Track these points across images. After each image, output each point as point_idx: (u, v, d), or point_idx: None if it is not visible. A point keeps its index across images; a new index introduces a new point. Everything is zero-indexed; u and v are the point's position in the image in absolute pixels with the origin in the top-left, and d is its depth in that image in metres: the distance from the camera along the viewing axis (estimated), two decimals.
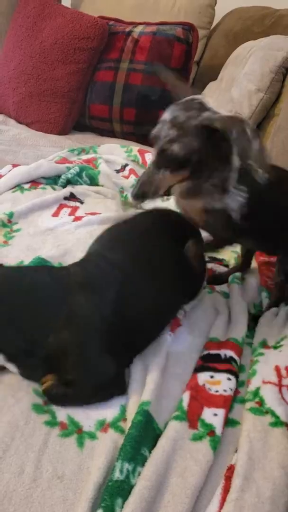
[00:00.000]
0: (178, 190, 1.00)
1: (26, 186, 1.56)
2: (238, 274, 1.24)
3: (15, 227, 1.34)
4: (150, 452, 0.76)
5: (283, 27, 1.95)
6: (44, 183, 1.60)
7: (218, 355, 0.96)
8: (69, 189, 1.56)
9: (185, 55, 2.06)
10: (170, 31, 2.04)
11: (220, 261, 1.33)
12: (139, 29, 2.10)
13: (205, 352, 0.98)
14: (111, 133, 2.16)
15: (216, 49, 2.19)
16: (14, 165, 1.65)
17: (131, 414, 0.82)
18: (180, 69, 2.06)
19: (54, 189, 1.59)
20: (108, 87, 2.07)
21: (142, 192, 0.94)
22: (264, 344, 1.00)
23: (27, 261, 1.16)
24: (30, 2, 2.19)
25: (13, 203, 1.44)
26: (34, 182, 1.59)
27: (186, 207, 1.06)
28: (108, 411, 0.84)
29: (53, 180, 1.61)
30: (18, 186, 1.55)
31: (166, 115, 0.91)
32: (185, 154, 0.89)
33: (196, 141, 0.89)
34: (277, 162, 1.10)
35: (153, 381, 0.87)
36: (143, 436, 0.77)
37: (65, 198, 1.52)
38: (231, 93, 1.81)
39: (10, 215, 1.37)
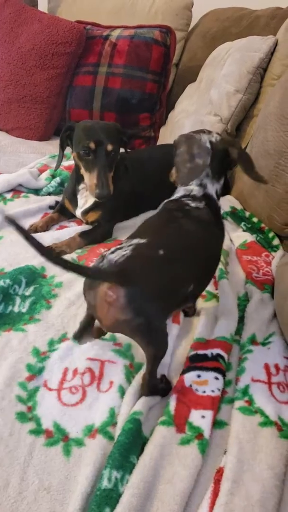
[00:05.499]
0: None
1: (8, 196, 1.56)
2: (225, 269, 1.25)
3: None
4: (138, 459, 0.75)
5: (260, 28, 1.95)
6: (26, 191, 1.61)
7: (205, 354, 0.95)
8: (54, 198, 1.57)
9: (164, 58, 2.05)
10: (148, 34, 2.04)
11: None
12: (116, 32, 2.10)
13: (192, 353, 0.97)
14: None
15: (194, 51, 2.19)
16: None
17: (122, 419, 0.81)
18: (159, 72, 2.06)
19: (37, 194, 1.61)
20: (87, 91, 2.06)
21: None
22: (252, 340, 1.00)
23: (8, 268, 1.16)
24: (5, 8, 2.17)
25: None
26: (16, 191, 1.59)
27: None
28: (96, 415, 0.83)
29: (33, 190, 1.63)
30: (1, 196, 1.54)
31: None
32: None
33: None
34: (257, 162, 1.10)
35: None
36: (132, 443, 0.76)
37: (50, 207, 1.53)
38: (210, 94, 1.81)
39: None
